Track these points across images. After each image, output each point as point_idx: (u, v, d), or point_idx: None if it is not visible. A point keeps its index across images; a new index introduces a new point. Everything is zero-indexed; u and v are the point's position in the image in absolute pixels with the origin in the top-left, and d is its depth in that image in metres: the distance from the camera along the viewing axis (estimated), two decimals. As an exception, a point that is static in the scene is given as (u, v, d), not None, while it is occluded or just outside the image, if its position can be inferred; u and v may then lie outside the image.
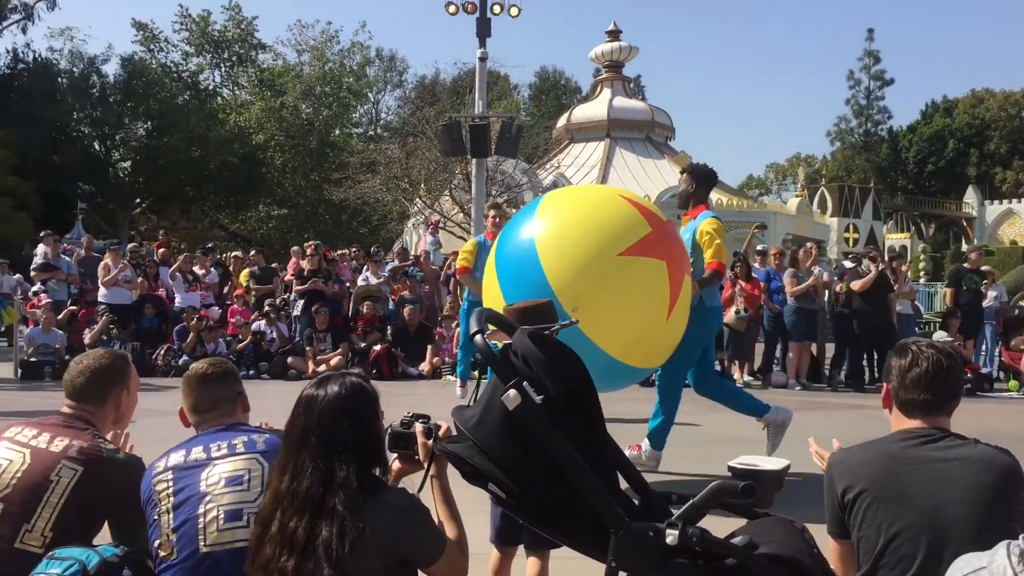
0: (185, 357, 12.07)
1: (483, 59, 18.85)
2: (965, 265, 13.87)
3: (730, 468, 2.20)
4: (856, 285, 11.94)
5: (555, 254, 4.89)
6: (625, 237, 4.98)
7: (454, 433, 2.41)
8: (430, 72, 53.76)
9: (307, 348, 12.42)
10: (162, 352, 12.30)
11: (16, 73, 37.94)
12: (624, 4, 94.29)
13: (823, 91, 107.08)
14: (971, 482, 2.27)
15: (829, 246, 33.78)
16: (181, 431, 6.49)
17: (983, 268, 13.85)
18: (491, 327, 2.64)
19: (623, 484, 2.42)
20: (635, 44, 31.94)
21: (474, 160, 19.32)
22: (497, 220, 8.77)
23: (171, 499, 2.44)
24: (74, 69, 38.35)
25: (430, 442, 2.38)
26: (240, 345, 12.59)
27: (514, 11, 18.58)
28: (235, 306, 13.72)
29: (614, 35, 31.46)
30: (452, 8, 18.26)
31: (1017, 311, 14.17)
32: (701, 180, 6.12)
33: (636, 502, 2.39)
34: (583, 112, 31.83)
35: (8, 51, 38.60)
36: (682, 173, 6.29)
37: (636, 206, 5.23)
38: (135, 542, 2.69)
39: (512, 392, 2.12)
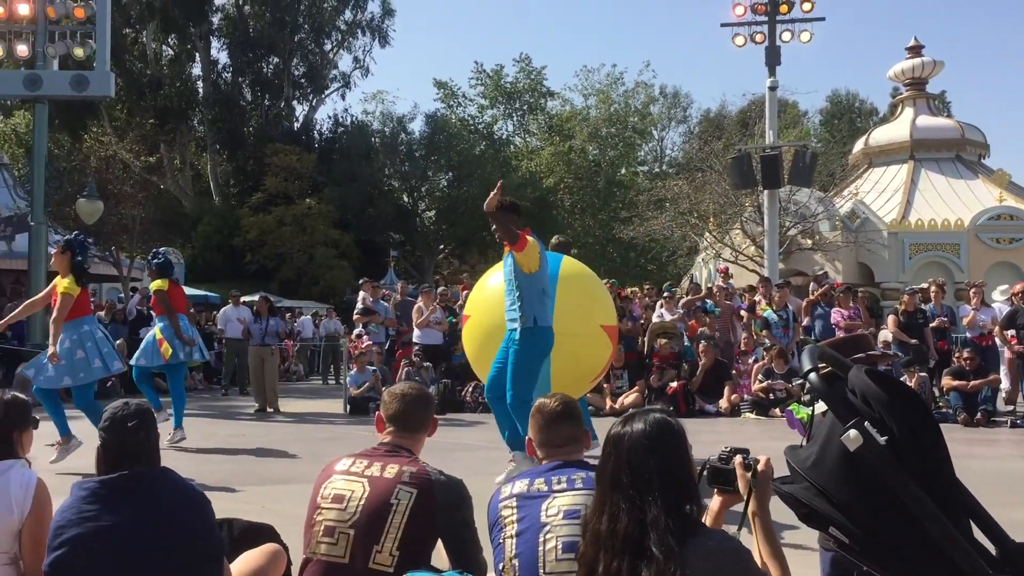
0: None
1: (773, 88, 18.43)
2: None
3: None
4: None
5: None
6: (609, 316, 7.99)
7: (773, 467, 2.36)
8: (715, 106, 53.36)
9: (604, 385, 12.64)
10: (470, 389, 13.02)
11: (337, 136, 42.25)
12: (925, 18, 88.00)
13: None
14: None
15: None
16: (492, 464, 6.85)
17: None
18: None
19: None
20: (939, 58, 29.77)
21: (766, 192, 18.85)
22: None
23: (515, 525, 2.59)
24: (385, 129, 42.03)
25: (748, 474, 2.34)
26: (540, 382, 13.04)
27: (805, 36, 18.02)
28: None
29: (915, 51, 29.46)
30: (740, 40, 18.05)
31: None
32: (505, 213, 6.21)
33: (994, 552, 2.20)
34: (883, 134, 29.96)
35: (330, 117, 43.24)
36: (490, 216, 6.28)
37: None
38: (470, 564, 2.90)
39: (853, 432, 2.04)
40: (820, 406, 2.38)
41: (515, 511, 2.62)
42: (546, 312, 6.26)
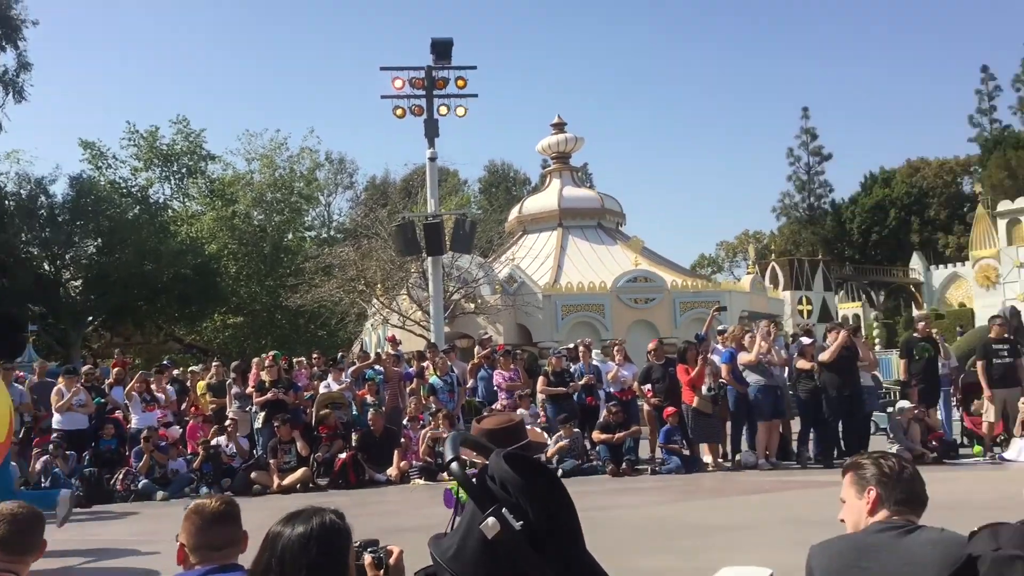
0: (144, 480, 11.78)
1: (433, 159, 19.17)
2: (915, 335, 13.44)
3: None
4: (824, 356, 11.97)
5: None
6: None
7: (411, 557, 2.34)
8: (380, 173, 54.47)
9: (271, 461, 12.16)
10: (120, 476, 11.94)
11: (-38, 198, 37.60)
12: (568, 96, 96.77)
13: (766, 168, 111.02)
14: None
15: (785, 320, 34.17)
16: (150, 562, 6.26)
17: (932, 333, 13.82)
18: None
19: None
20: (580, 134, 32.65)
21: (430, 258, 19.43)
22: None
23: None
24: (21, 191, 38.07)
25: (380, 573, 2.30)
26: (196, 463, 12.27)
27: (460, 111, 18.98)
28: (193, 423, 13.44)
29: (559, 127, 32.14)
30: (399, 111, 18.61)
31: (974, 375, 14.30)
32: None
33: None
34: (534, 203, 32.25)
35: (-47, 177, 38.36)
36: None
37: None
38: None
39: (491, 520, 2.06)
40: None
41: None
42: None
